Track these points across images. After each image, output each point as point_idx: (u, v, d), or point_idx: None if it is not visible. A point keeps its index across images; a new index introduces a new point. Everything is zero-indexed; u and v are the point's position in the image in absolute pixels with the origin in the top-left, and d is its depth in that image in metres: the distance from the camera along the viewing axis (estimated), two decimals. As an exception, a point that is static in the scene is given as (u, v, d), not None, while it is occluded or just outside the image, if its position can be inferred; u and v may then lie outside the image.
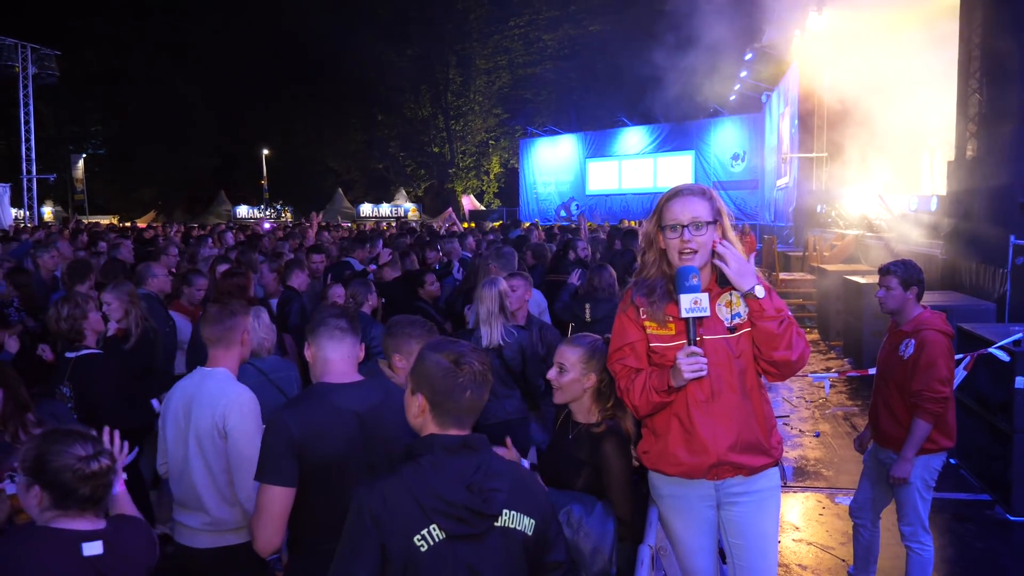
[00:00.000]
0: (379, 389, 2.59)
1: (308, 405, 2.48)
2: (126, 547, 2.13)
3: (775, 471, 2.67)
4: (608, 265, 5.77)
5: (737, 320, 2.54)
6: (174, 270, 6.87)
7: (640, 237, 2.77)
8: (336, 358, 2.55)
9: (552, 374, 2.84)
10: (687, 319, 2.44)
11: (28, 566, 1.95)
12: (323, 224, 20.00)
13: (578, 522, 2.59)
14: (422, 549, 1.74)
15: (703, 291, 2.46)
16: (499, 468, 1.85)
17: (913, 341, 3.70)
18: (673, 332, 2.55)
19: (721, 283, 2.56)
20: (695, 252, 2.49)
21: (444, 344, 1.95)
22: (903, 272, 3.77)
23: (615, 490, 2.72)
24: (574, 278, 6.04)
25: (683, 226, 2.50)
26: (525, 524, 1.84)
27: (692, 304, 2.41)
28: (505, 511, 1.82)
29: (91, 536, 2.05)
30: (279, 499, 2.37)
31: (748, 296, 2.46)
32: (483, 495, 1.78)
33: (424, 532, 1.74)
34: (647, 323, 2.61)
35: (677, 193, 2.58)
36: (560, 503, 2.64)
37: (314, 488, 2.39)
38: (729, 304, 2.55)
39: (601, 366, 2.76)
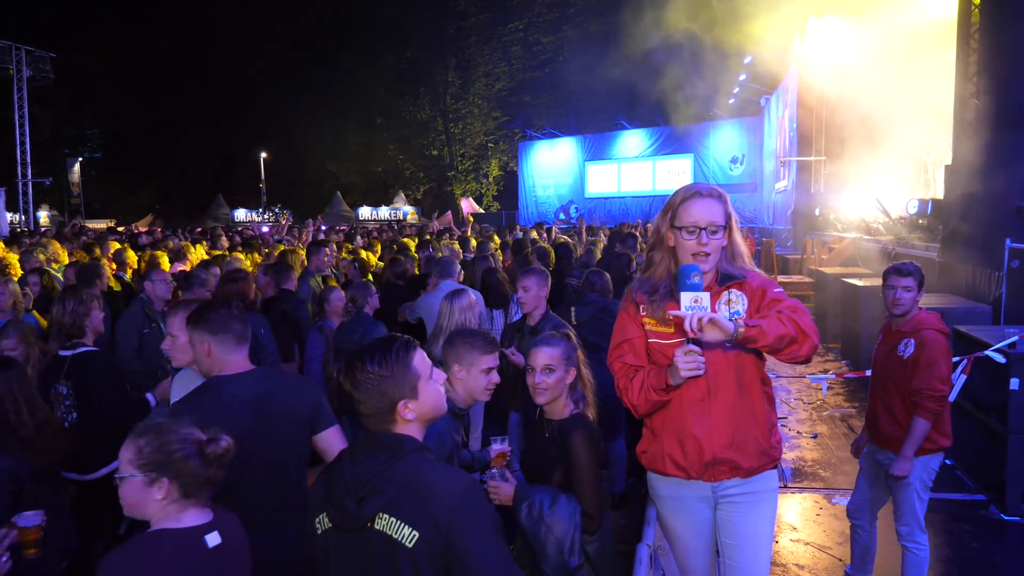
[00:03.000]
0: (273, 376, 2.90)
1: (203, 398, 2.69)
2: (234, 532, 2.15)
3: (773, 473, 2.68)
4: (604, 272, 5.77)
5: (736, 318, 2.53)
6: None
7: (650, 234, 2.79)
8: (237, 358, 2.78)
9: (538, 378, 2.86)
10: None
11: (160, 569, 1.95)
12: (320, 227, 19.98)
13: (538, 513, 2.62)
14: (318, 531, 1.93)
15: (704, 290, 2.46)
16: (397, 474, 1.83)
17: (913, 341, 3.72)
18: (672, 330, 2.56)
19: (721, 282, 2.57)
20: (709, 256, 2.51)
21: (353, 352, 2.04)
22: (919, 273, 3.80)
23: (580, 482, 2.74)
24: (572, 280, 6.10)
25: (701, 229, 2.51)
26: (405, 533, 1.78)
27: (692, 302, 2.39)
28: (382, 515, 1.81)
29: (209, 528, 2.07)
30: None
31: (737, 336, 2.39)
32: (360, 495, 1.82)
33: (320, 516, 1.93)
34: (646, 319, 2.63)
35: (695, 194, 2.57)
36: (523, 496, 2.68)
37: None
38: (729, 302, 2.54)
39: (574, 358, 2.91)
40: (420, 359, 1.98)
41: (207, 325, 2.75)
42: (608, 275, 5.61)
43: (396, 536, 1.79)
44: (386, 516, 1.81)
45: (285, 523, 2.66)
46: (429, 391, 1.97)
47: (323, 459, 2.83)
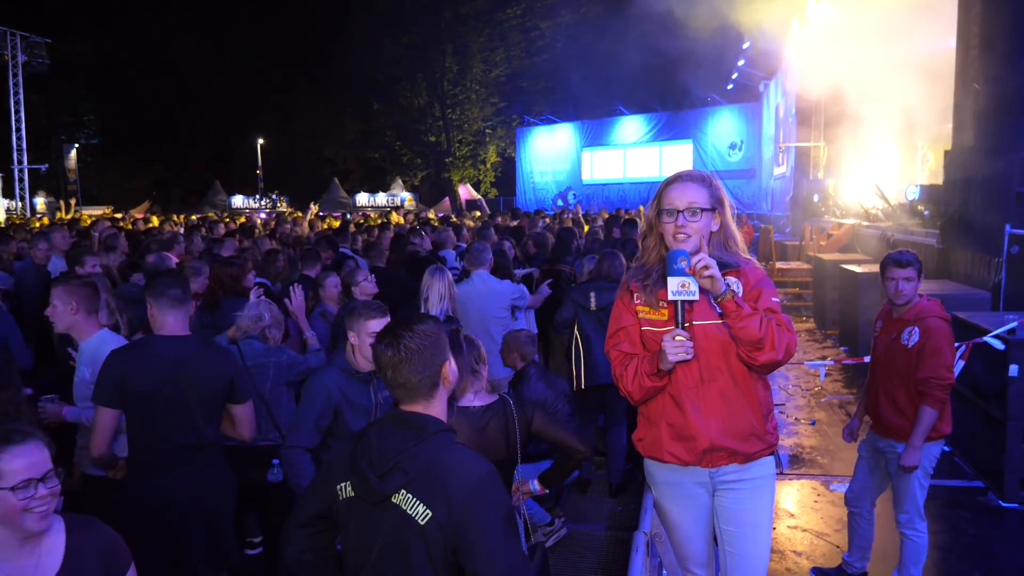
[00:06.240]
0: (197, 344, 3.27)
1: (133, 349, 3.21)
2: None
3: (770, 460, 2.66)
4: (619, 253, 5.65)
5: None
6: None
7: (642, 222, 2.78)
8: (171, 320, 3.18)
9: None
10: (675, 302, 2.43)
11: None
12: (319, 215, 19.97)
13: None
14: (340, 497, 1.97)
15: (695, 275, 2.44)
16: (420, 454, 1.86)
17: (917, 329, 3.68)
18: (666, 317, 2.55)
19: None
20: (688, 237, 2.50)
21: (385, 327, 2.08)
22: (918, 262, 3.76)
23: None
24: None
25: (679, 211, 2.50)
26: (419, 511, 1.82)
27: (679, 287, 2.39)
28: (402, 492, 1.85)
29: None
30: (106, 417, 3.08)
31: (722, 299, 2.41)
32: (383, 470, 1.85)
33: (343, 484, 1.96)
34: (640, 307, 2.62)
35: (677, 179, 2.59)
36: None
37: (133, 411, 3.10)
38: None
39: None
40: None
41: (149, 290, 3.21)
42: (623, 258, 5.49)
43: (411, 512, 1.83)
44: (404, 493, 1.84)
45: (190, 465, 3.12)
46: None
47: (234, 425, 3.31)
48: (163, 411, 3.07)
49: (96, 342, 3.47)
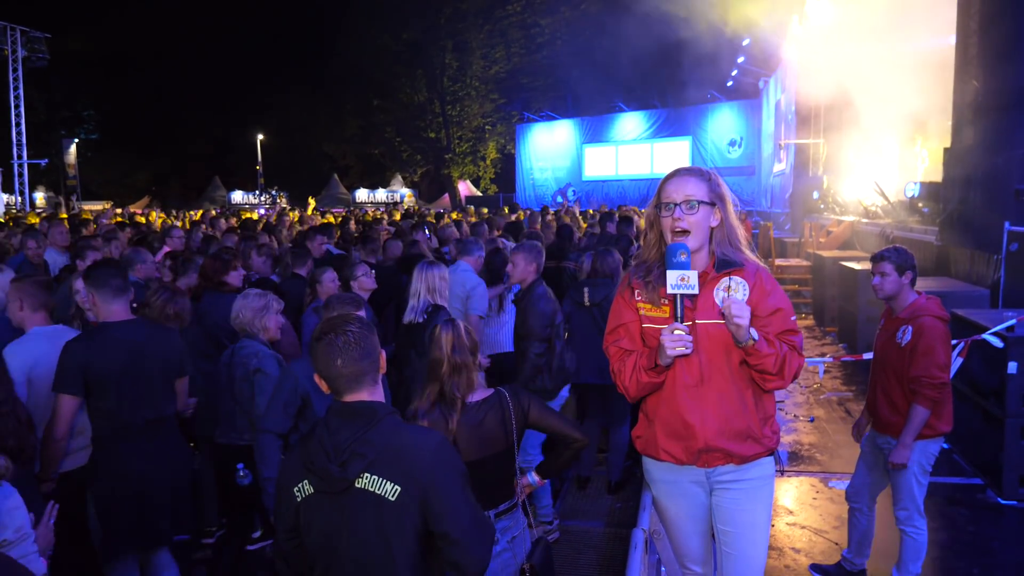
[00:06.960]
0: (146, 326, 3.53)
1: (92, 337, 3.34)
2: None
3: (769, 460, 2.64)
4: (614, 250, 5.71)
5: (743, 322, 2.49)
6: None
7: (643, 219, 2.77)
8: (116, 308, 3.39)
9: None
10: (674, 296, 2.42)
11: None
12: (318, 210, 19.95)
13: None
14: (298, 499, 2.05)
15: (694, 270, 2.42)
16: (374, 437, 1.98)
17: (911, 328, 3.68)
18: (667, 314, 2.52)
19: (719, 268, 2.53)
20: (686, 232, 2.48)
21: (326, 319, 2.15)
22: (897, 257, 3.76)
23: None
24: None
25: (675, 204, 2.48)
26: (388, 489, 1.96)
27: (679, 280, 2.38)
28: (365, 475, 1.97)
29: None
30: (67, 404, 3.24)
31: (743, 346, 2.43)
32: (341, 460, 1.96)
33: (300, 485, 2.04)
34: (641, 304, 2.60)
35: (675, 173, 2.57)
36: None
37: (99, 394, 3.29)
38: (728, 289, 2.50)
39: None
40: None
41: (90, 281, 3.40)
42: (617, 254, 5.54)
43: (379, 492, 1.97)
44: (368, 475, 1.97)
45: (152, 437, 3.40)
46: None
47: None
48: (128, 391, 3.32)
49: (24, 337, 3.62)
